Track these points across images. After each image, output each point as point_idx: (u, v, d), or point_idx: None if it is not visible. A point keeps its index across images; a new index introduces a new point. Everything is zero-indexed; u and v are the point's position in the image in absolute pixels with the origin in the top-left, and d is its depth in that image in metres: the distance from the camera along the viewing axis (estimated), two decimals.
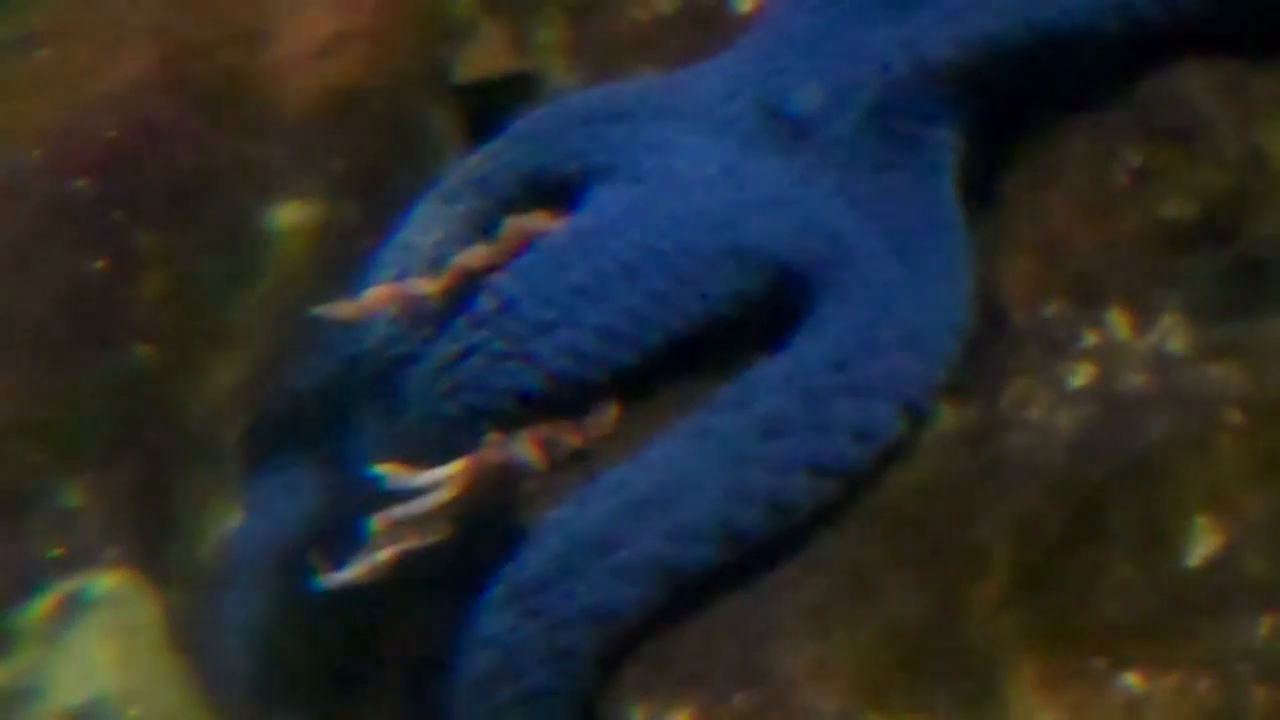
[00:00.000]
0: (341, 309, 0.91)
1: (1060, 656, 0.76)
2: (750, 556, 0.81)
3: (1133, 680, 0.75)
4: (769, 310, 0.87)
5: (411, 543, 0.86)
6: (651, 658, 0.80)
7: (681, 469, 0.82)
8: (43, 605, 1.00)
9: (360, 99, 1.06)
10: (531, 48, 1.07)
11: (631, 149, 0.91)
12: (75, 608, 1.00)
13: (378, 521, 0.86)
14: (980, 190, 0.88)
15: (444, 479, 0.86)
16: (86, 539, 1.01)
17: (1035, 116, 0.88)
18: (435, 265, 0.92)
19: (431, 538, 0.86)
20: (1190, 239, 0.83)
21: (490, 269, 0.89)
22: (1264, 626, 0.75)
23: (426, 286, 0.89)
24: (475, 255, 0.89)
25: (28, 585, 1.00)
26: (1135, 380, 0.81)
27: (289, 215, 1.05)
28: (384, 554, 0.86)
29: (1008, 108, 0.88)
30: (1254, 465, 0.78)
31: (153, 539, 1.02)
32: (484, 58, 1.07)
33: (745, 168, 0.89)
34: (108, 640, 1.00)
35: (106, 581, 1.01)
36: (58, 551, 1.00)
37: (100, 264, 1.02)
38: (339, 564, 0.87)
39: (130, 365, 1.03)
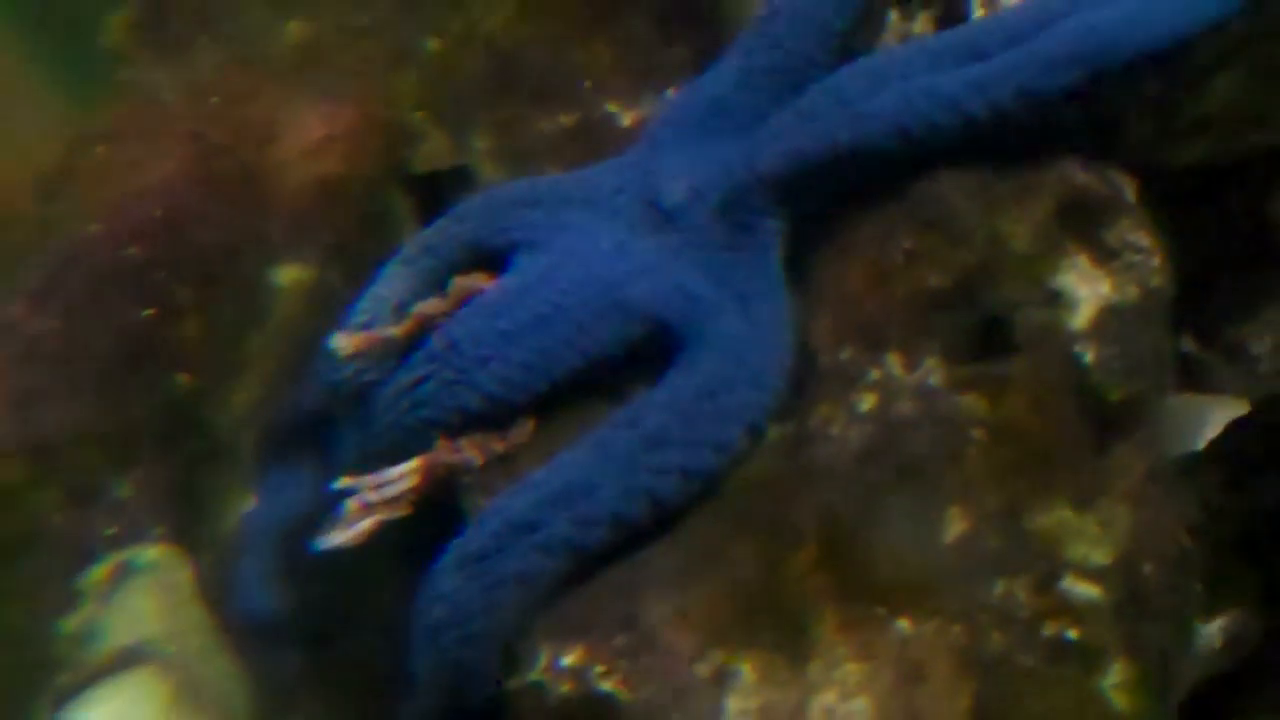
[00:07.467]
0: (342, 341, 0.99)
1: (853, 607, 0.87)
2: (633, 536, 0.91)
3: (904, 625, 0.86)
4: (646, 352, 0.97)
5: (382, 516, 0.94)
6: (556, 611, 0.90)
7: (586, 471, 0.91)
8: (101, 571, 1.09)
9: (342, 187, 1.14)
10: (468, 150, 1.13)
11: (545, 228, 1.00)
12: (126, 573, 1.09)
13: (353, 502, 0.94)
14: (798, 263, 0.98)
15: (407, 472, 0.95)
16: (135, 521, 1.10)
17: (837, 209, 0.97)
18: (399, 311, 1.01)
19: (396, 514, 0.95)
20: (948, 302, 0.93)
21: (441, 316, 0.98)
22: (1000, 587, 0.87)
23: (395, 330, 0.99)
24: (431, 306, 0.99)
25: (90, 556, 1.09)
26: (906, 406, 0.91)
27: (290, 275, 1.14)
28: (365, 524, 0.93)
29: (819, 203, 0.97)
30: (992, 470, 0.89)
31: (187, 520, 1.11)
32: (432, 156, 1.13)
33: (629, 245, 0.98)
34: (151, 597, 1.08)
35: (151, 553, 1.10)
36: (113, 530, 1.09)
37: (149, 312, 1.11)
38: (328, 533, 0.94)
39: (171, 389, 1.12)
